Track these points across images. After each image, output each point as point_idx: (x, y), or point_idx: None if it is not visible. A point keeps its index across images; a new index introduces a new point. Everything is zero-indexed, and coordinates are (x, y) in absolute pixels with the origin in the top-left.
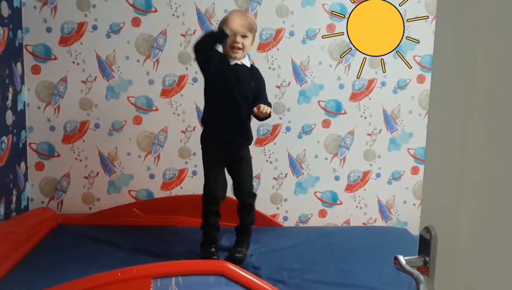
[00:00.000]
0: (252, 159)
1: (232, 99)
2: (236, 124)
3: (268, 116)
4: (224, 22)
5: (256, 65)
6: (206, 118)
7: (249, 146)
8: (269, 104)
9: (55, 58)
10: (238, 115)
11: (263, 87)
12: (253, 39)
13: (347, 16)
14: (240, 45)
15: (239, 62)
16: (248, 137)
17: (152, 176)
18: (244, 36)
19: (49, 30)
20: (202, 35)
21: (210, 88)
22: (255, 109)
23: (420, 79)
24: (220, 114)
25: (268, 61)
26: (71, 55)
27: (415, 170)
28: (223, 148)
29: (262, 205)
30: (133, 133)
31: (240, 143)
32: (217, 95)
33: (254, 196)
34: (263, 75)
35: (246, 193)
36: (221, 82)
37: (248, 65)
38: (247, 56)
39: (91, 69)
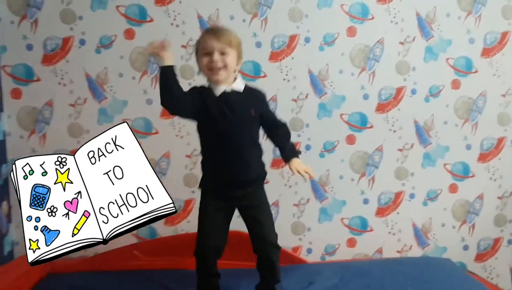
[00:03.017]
0: (268, 184)
1: (228, 133)
2: (238, 162)
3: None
4: (197, 43)
5: (269, 77)
6: (204, 161)
7: (264, 184)
8: (280, 123)
9: (38, 80)
10: (239, 151)
11: (268, 107)
12: (239, 56)
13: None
14: (219, 64)
15: (227, 90)
16: (258, 175)
17: None
18: (223, 53)
19: (29, 47)
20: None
21: (200, 127)
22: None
23: (455, 84)
24: (218, 154)
25: (282, 72)
26: (56, 75)
27: (453, 188)
28: (227, 194)
29: (282, 237)
30: None
31: (247, 183)
32: (210, 134)
33: (278, 249)
34: (276, 88)
35: (269, 246)
36: (210, 119)
37: (241, 89)
38: (239, 78)
39: (80, 90)
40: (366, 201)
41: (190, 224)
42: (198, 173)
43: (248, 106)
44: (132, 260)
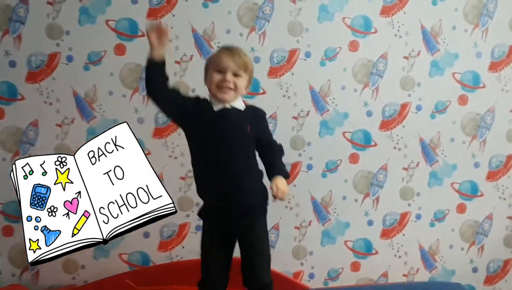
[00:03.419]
0: (268, 207)
1: (223, 153)
2: (231, 183)
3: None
4: (211, 58)
5: (268, 94)
6: (197, 182)
7: (266, 216)
8: (275, 144)
9: (22, 98)
10: (235, 172)
11: (267, 128)
12: (249, 81)
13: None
14: (231, 84)
15: (228, 106)
16: (255, 202)
17: (146, 235)
18: (236, 75)
19: (12, 64)
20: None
21: (192, 144)
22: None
23: (462, 100)
24: (211, 175)
25: (281, 88)
26: (41, 94)
27: (461, 208)
28: (222, 219)
29: (283, 261)
30: None
31: (244, 210)
32: (203, 151)
33: (270, 286)
34: (276, 105)
35: (257, 282)
36: (205, 134)
37: (242, 108)
38: (240, 99)
39: (68, 110)
40: (370, 223)
41: (185, 250)
42: (193, 195)
43: (245, 123)
44: (124, 289)
